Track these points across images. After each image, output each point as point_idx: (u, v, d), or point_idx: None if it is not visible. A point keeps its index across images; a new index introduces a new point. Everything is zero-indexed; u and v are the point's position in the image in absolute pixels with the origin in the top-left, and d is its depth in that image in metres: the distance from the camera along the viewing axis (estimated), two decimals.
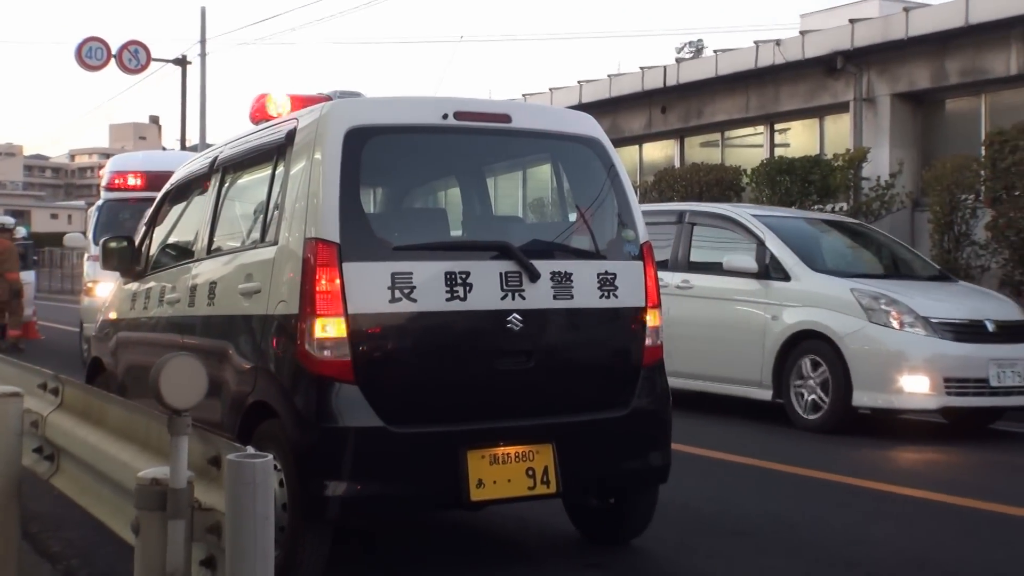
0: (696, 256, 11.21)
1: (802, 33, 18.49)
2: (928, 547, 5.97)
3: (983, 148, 14.15)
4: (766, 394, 10.18)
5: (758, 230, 10.61)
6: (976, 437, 9.67)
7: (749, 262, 10.40)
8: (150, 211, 7.42)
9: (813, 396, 9.70)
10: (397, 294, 4.87)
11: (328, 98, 5.63)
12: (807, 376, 9.77)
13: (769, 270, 10.31)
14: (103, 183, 15.04)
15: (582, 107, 20.64)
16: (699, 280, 10.92)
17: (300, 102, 5.78)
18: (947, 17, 15.95)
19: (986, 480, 7.99)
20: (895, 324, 9.43)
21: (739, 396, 10.58)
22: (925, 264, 11.34)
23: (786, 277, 10.16)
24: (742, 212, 11.19)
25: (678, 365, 10.30)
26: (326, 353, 4.77)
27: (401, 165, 5.62)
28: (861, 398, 9.40)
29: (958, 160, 14.50)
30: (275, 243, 5.19)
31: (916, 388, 9.29)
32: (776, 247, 10.37)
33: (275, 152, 5.52)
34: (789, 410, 9.93)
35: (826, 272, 10.17)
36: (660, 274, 10.20)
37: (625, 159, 21.87)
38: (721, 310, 10.68)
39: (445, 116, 5.29)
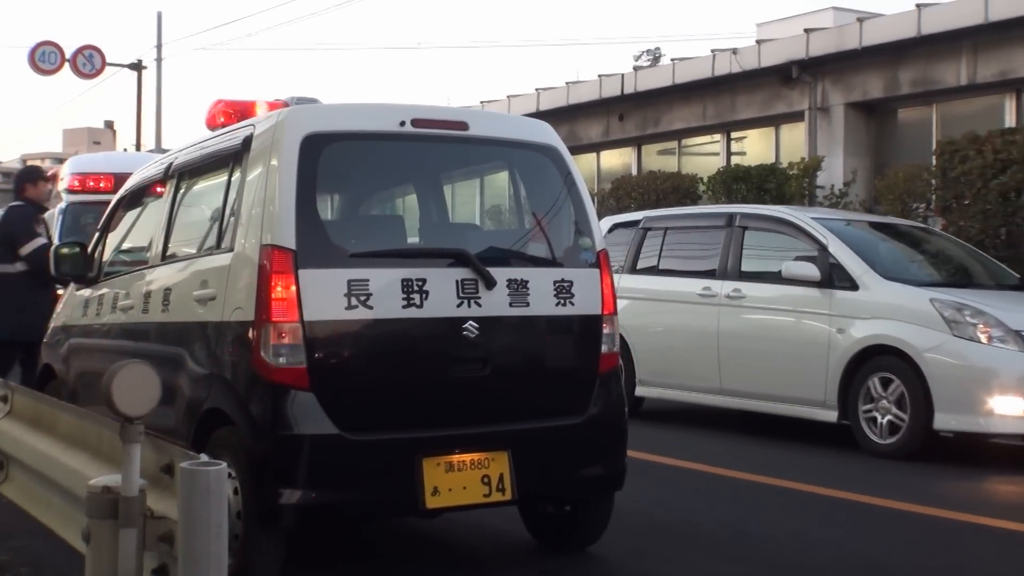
0: (749, 264, 10.32)
1: (758, 42, 18.65)
2: (880, 553, 6.02)
3: (934, 157, 14.32)
4: (830, 415, 9.25)
5: (820, 234, 9.69)
6: None
7: (811, 270, 9.44)
8: (103, 217, 7.36)
9: (888, 418, 8.80)
10: (353, 301, 4.86)
11: (285, 104, 5.61)
12: (878, 396, 8.87)
13: (833, 278, 9.39)
14: (62, 186, 14.43)
15: (540, 115, 20.72)
16: (752, 289, 10.06)
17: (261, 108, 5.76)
18: (900, 28, 16.13)
19: None
20: (983, 338, 8.53)
21: (799, 417, 9.66)
22: (1004, 272, 10.41)
23: (853, 286, 9.26)
24: (801, 215, 10.28)
25: (730, 383, 10.16)
26: (281, 360, 4.75)
27: (358, 172, 5.62)
28: (945, 421, 8.49)
29: (910, 169, 14.66)
30: (231, 249, 5.17)
31: (1009, 410, 8.38)
32: (841, 253, 9.46)
33: (231, 158, 5.50)
34: (858, 434, 9.04)
35: (899, 280, 9.25)
36: (707, 283, 10.44)
37: (583, 166, 21.96)
38: (778, 323, 9.82)
39: (402, 123, 5.29)
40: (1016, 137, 12.75)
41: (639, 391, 11.00)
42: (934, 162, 14.24)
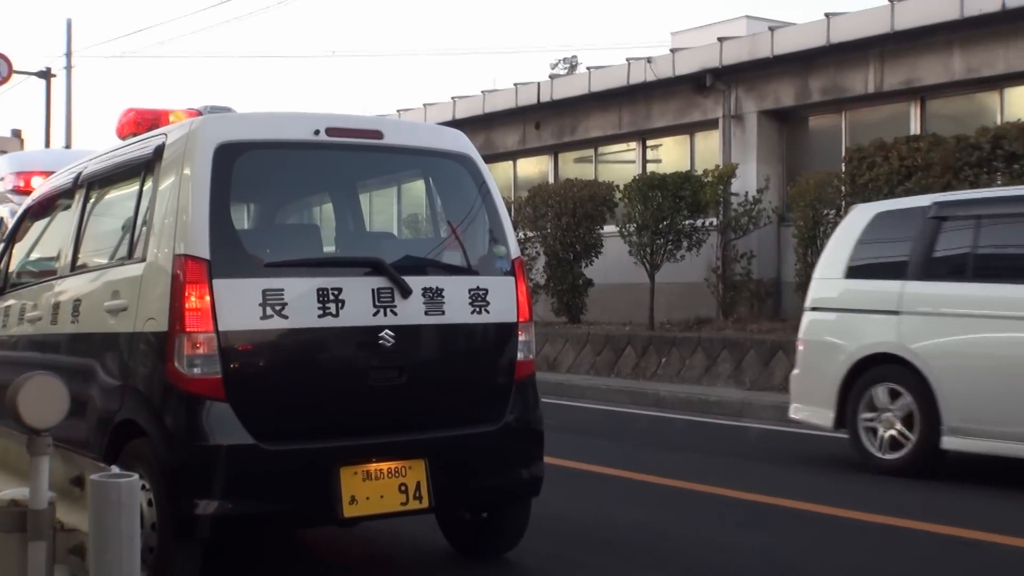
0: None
1: (672, 51, 18.85)
2: (793, 556, 6.12)
3: (843, 164, 14.59)
4: None
5: None
6: None
7: None
8: (9, 227, 7.24)
9: None
10: (269, 311, 4.85)
11: (198, 113, 5.58)
12: None
13: None
14: (4, 187, 13.44)
15: (456, 123, 20.73)
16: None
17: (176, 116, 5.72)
18: (810, 37, 16.41)
19: None
20: None
21: None
22: None
23: None
24: None
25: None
26: (196, 371, 4.72)
27: (273, 181, 5.60)
28: None
29: (820, 176, 14.92)
30: (143, 259, 5.13)
31: None
32: None
33: (143, 167, 5.45)
34: None
35: None
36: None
37: (499, 175, 22.02)
38: None
39: (317, 132, 5.28)
40: (920, 144, 13.04)
41: (948, 442, 8.09)
42: (843, 169, 14.50)
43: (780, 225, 16.97)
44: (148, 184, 5.34)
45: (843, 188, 14.37)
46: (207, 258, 4.77)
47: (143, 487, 4.88)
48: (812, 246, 14.85)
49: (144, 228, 5.22)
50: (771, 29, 17.20)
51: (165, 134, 5.35)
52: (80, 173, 6.27)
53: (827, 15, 16.04)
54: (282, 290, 4.88)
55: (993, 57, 14.49)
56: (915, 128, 15.50)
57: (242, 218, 5.81)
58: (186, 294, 4.74)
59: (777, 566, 5.82)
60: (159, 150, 5.27)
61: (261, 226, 5.94)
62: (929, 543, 6.34)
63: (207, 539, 4.82)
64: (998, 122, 13.65)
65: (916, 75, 15.42)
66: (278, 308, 4.86)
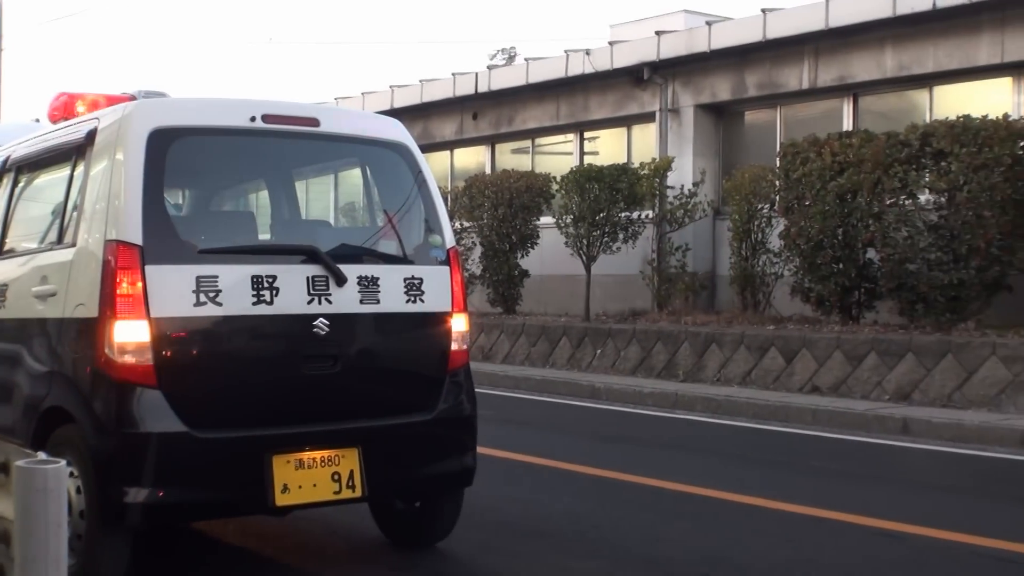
0: None
1: (611, 44, 18.90)
2: (721, 545, 6.20)
3: (777, 159, 14.74)
4: None
5: None
6: None
7: None
8: None
9: None
10: (202, 298, 4.81)
11: (132, 98, 5.52)
12: None
13: None
14: None
15: (394, 112, 20.66)
16: None
17: (104, 101, 5.65)
18: (746, 32, 16.54)
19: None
20: None
21: None
22: None
23: None
24: None
25: None
26: (127, 358, 4.68)
27: (208, 167, 5.56)
28: None
29: (755, 170, 15.06)
30: (73, 245, 5.07)
31: None
32: None
33: (74, 152, 5.38)
34: None
35: None
36: None
37: (437, 165, 21.97)
38: None
39: (253, 119, 5.25)
40: (852, 140, 13.20)
41: None
42: (778, 163, 14.65)
43: (715, 219, 17.11)
44: (79, 169, 5.28)
45: (777, 183, 14.52)
46: (139, 244, 4.72)
47: (71, 474, 4.84)
48: (747, 240, 15.01)
49: (75, 213, 5.16)
50: (708, 23, 17.31)
51: (97, 119, 5.29)
52: (8, 157, 6.17)
53: (763, 11, 16.17)
54: (216, 277, 4.85)
55: (924, 55, 14.71)
56: (848, 124, 15.69)
57: (176, 204, 5.76)
58: (117, 280, 4.69)
59: (707, 556, 5.89)
60: (91, 135, 5.21)
61: (195, 212, 5.90)
62: (852, 534, 6.44)
63: (137, 527, 4.78)
64: (927, 119, 13.86)
65: (849, 72, 15.61)
66: (212, 295, 4.82)
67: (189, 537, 6.18)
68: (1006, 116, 12.14)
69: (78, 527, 4.79)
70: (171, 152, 4.95)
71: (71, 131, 5.50)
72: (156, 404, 4.70)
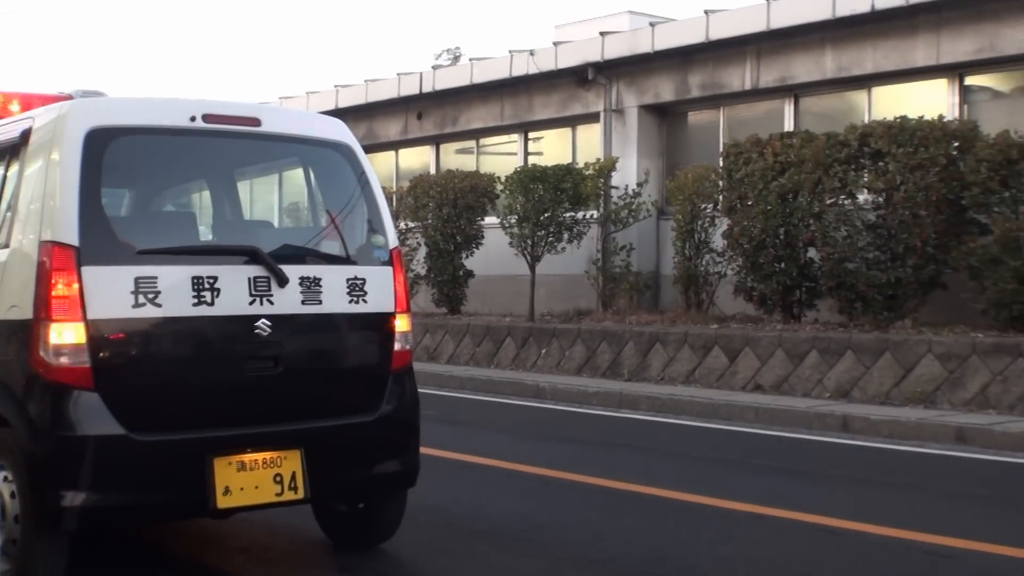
0: None
1: (555, 44, 18.95)
2: (665, 543, 6.24)
3: (720, 159, 14.86)
4: None
5: None
6: None
7: None
8: None
9: None
10: (141, 299, 4.77)
11: (69, 97, 5.46)
12: None
13: None
14: None
15: (339, 112, 20.57)
16: None
17: (39, 100, 5.60)
18: (689, 33, 16.65)
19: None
20: None
21: None
22: None
23: None
24: None
25: None
26: (63, 360, 4.63)
27: (147, 167, 5.51)
28: None
29: (698, 170, 15.17)
30: (6, 246, 5.00)
31: None
32: None
33: (7, 152, 5.31)
34: None
35: None
36: None
37: (381, 165, 21.91)
38: None
39: (193, 118, 5.21)
40: (794, 141, 13.35)
41: None
42: (721, 164, 14.77)
43: (659, 218, 17.21)
44: (13, 169, 5.21)
45: (720, 183, 14.64)
46: (75, 245, 4.67)
47: (5, 478, 4.79)
48: (690, 239, 15.11)
49: (8, 214, 5.09)
50: (652, 24, 17.41)
51: (32, 118, 5.23)
52: None
53: (706, 12, 16.29)
54: (155, 278, 4.81)
55: (862, 57, 14.89)
56: (789, 125, 15.85)
57: (114, 205, 5.70)
58: (52, 281, 4.64)
59: (650, 554, 5.93)
60: (25, 134, 5.15)
61: (134, 213, 5.84)
62: (794, 531, 6.51)
63: (74, 531, 4.73)
64: (866, 120, 14.03)
65: (790, 73, 15.76)
66: (151, 296, 4.79)
67: (128, 542, 6.12)
68: (941, 117, 12.34)
69: (13, 532, 4.74)
70: (108, 152, 4.90)
71: (4, 131, 5.43)
72: (93, 407, 4.65)
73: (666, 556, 5.89)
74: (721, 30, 16.09)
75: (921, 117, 12.27)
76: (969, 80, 14.37)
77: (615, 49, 17.69)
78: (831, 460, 9.07)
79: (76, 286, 4.64)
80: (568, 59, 18.38)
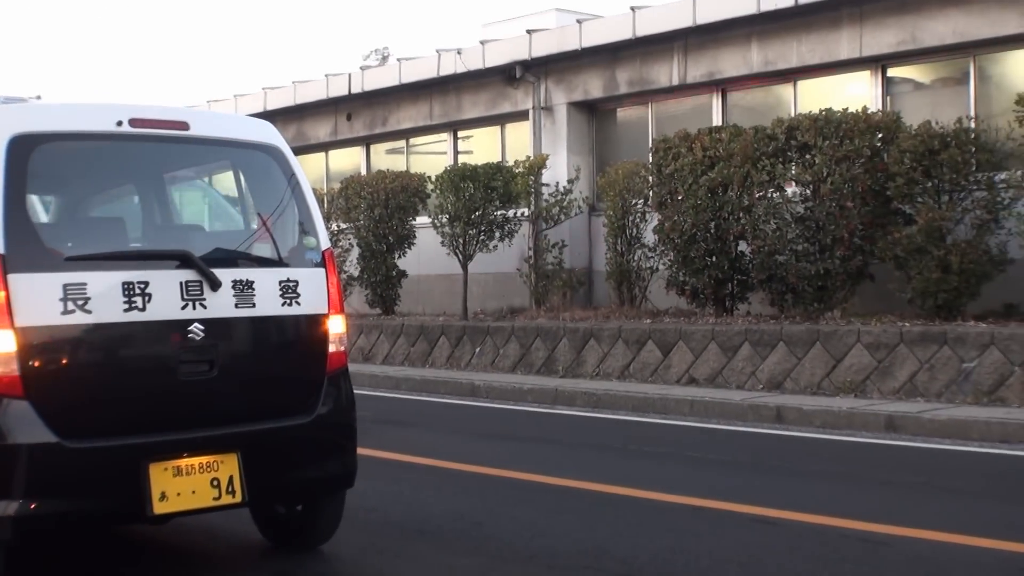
0: None
1: (482, 42, 18.96)
2: (604, 537, 6.29)
3: (650, 155, 14.96)
4: None
5: None
6: None
7: None
8: None
9: None
10: (70, 305, 4.72)
11: None
12: None
13: None
14: None
15: (267, 114, 20.41)
16: None
17: None
18: (616, 29, 16.74)
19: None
20: None
21: None
22: None
23: None
24: None
25: None
26: None
27: (73, 173, 5.46)
28: None
29: (628, 166, 15.27)
30: None
31: None
32: None
33: None
34: None
35: None
36: None
37: (312, 166, 21.79)
38: None
39: (119, 123, 5.17)
40: (722, 135, 13.48)
41: None
42: (651, 159, 14.87)
43: (591, 215, 17.30)
44: None
45: (650, 178, 14.74)
46: (1, 253, 4.61)
47: None
48: (622, 235, 15.20)
49: None
50: (579, 21, 17.48)
51: None
52: None
53: (632, 8, 16.39)
54: (85, 284, 4.76)
55: (787, 50, 15.07)
56: (717, 119, 15.99)
57: (40, 211, 5.63)
58: None
59: (589, 548, 5.96)
60: None
61: (62, 219, 5.78)
62: (732, 522, 6.58)
63: (7, 541, 4.67)
64: (793, 113, 14.22)
65: (717, 67, 15.91)
66: (80, 303, 4.74)
67: (64, 550, 6.04)
68: (865, 109, 12.53)
69: None
70: (33, 158, 4.85)
71: None
72: (23, 415, 4.60)
73: (606, 550, 5.93)
74: (648, 26, 16.20)
75: (846, 109, 12.45)
76: (892, 72, 14.61)
77: (543, 47, 17.74)
78: (766, 451, 9.18)
79: (3, 294, 4.59)
80: (496, 57, 18.40)
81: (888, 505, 6.94)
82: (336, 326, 5.57)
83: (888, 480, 7.84)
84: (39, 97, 5.63)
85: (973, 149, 11.55)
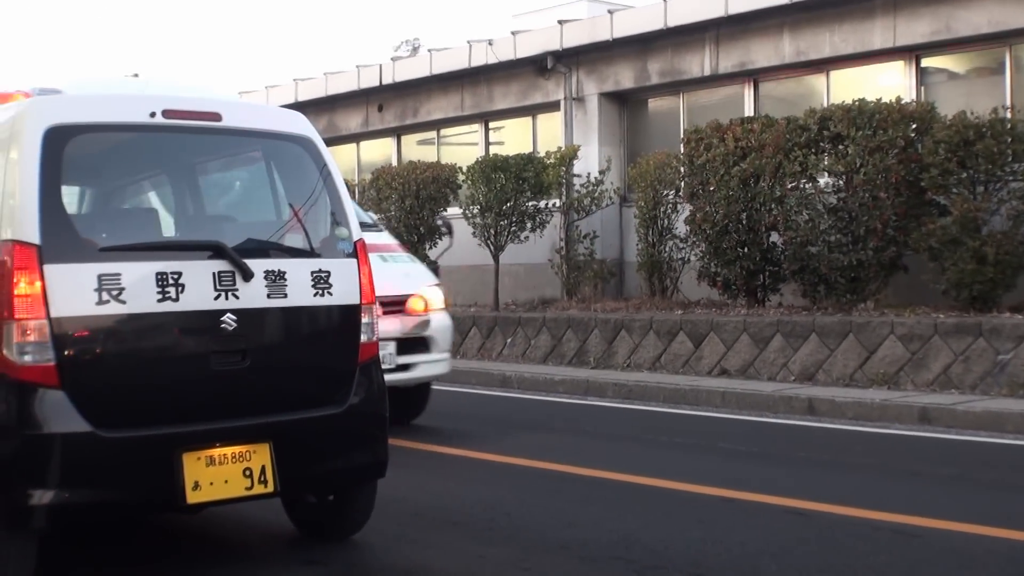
0: None
1: (513, 33, 18.95)
2: (634, 528, 6.28)
3: (681, 146, 14.91)
4: None
5: None
6: None
7: None
8: None
9: None
10: (105, 296, 4.76)
11: (27, 95, 5.41)
12: None
13: None
14: None
15: (298, 105, 20.46)
16: None
17: None
18: (648, 19, 16.70)
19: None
20: None
21: None
22: None
23: None
24: None
25: None
26: (27, 358, 4.61)
27: (107, 164, 5.50)
28: None
29: (660, 157, 15.22)
30: None
31: None
32: None
33: None
34: None
35: None
36: None
37: (343, 157, 21.82)
38: None
39: (152, 114, 5.20)
40: (754, 126, 13.42)
41: None
42: (682, 150, 14.82)
43: (622, 206, 17.26)
44: None
45: (682, 169, 14.70)
46: (37, 243, 4.65)
47: None
48: (653, 226, 15.16)
49: None
50: (610, 12, 17.44)
51: None
52: None
53: None
54: (119, 275, 4.79)
55: (820, 40, 14.98)
56: (749, 110, 15.92)
57: (75, 202, 5.67)
58: (15, 280, 4.62)
59: (620, 539, 5.96)
60: None
61: (96, 210, 5.81)
62: (764, 514, 6.56)
63: (43, 529, 4.71)
64: (825, 104, 14.13)
65: (749, 58, 15.83)
66: (115, 293, 4.77)
67: (98, 535, 6.09)
68: (899, 99, 12.43)
69: None
70: (68, 149, 4.88)
71: None
72: (59, 405, 4.64)
73: (636, 540, 5.92)
74: (680, 16, 16.14)
75: (879, 100, 12.35)
76: (926, 62, 14.49)
77: (574, 37, 17.71)
78: (798, 443, 9.14)
79: (39, 284, 4.62)
80: (527, 48, 18.38)
81: (921, 497, 6.90)
82: (367, 316, 5.58)
83: (921, 472, 7.79)
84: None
85: (1009, 139, 11.42)
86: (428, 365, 9.72)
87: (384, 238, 10.70)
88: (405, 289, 9.62)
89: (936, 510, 6.42)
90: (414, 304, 9.62)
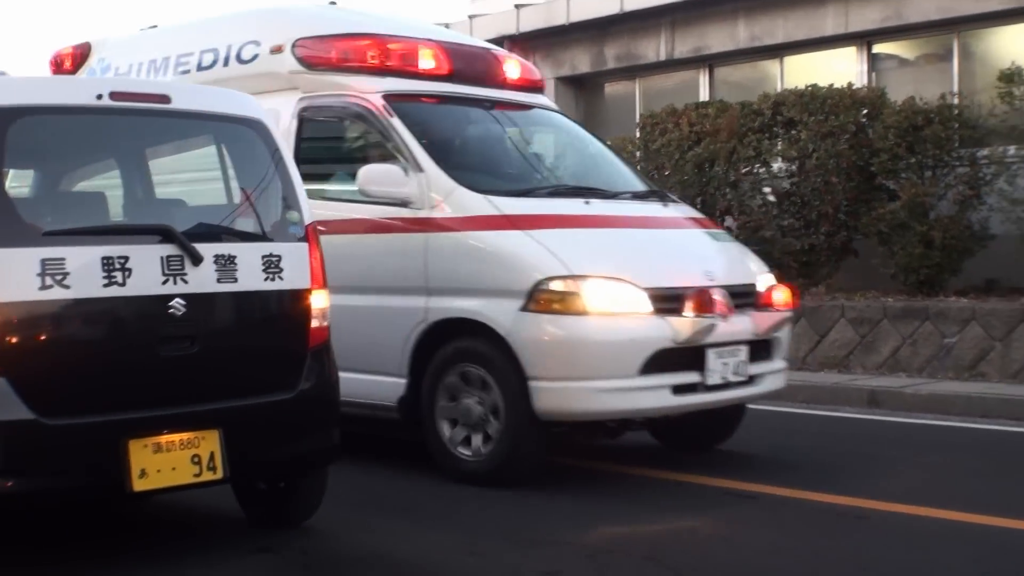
0: None
1: (470, 17, 18.87)
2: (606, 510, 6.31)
3: (637, 130, 14.95)
4: None
5: None
6: None
7: None
8: None
9: None
10: (48, 281, 4.69)
11: None
12: None
13: None
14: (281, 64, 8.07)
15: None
16: None
17: None
18: (604, 4, 16.69)
19: None
20: None
21: None
22: None
23: None
24: None
25: None
26: None
27: (52, 147, 5.42)
28: None
29: (616, 142, 15.17)
30: None
31: None
32: None
33: None
34: None
35: None
36: None
37: None
38: None
39: (99, 96, 5.14)
40: (709, 111, 13.46)
41: None
42: (637, 134, 14.85)
43: None
44: None
45: (637, 154, 14.72)
46: None
47: None
48: None
49: None
50: None
51: None
52: None
53: None
54: (63, 259, 4.73)
55: (774, 26, 15.05)
56: (704, 95, 15.98)
57: (19, 186, 5.59)
58: None
59: (581, 520, 5.98)
60: None
61: (40, 194, 5.74)
62: (708, 495, 6.60)
63: None
64: (779, 89, 14.20)
65: (705, 43, 15.89)
66: (59, 278, 4.71)
67: (37, 526, 6.03)
68: (850, 85, 12.54)
69: None
70: (11, 132, 4.81)
71: None
72: (0, 392, 4.58)
73: (602, 519, 5.93)
74: (636, 1, 16.17)
75: (831, 85, 12.45)
76: (877, 48, 14.61)
77: (530, 21, 17.69)
78: (749, 427, 9.17)
79: None
80: (483, 32, 18.26)
81: (870, 480, 6.97)
82: (318, 301, 5.55)
83: (871, 455, 7.87)
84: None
85: (956, 125, 11.57)
86: (773, 377, 7.47)
87: (686, 210, 8.45)
88: (754, 277, 7.51)
89: (883, 492, 6.50)
90: (776, 296, 7.45)
